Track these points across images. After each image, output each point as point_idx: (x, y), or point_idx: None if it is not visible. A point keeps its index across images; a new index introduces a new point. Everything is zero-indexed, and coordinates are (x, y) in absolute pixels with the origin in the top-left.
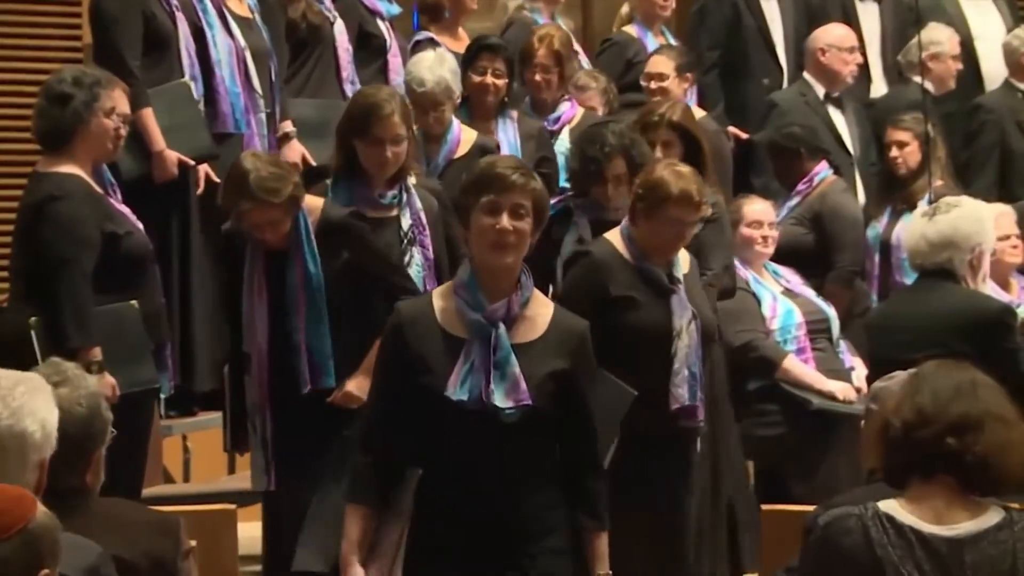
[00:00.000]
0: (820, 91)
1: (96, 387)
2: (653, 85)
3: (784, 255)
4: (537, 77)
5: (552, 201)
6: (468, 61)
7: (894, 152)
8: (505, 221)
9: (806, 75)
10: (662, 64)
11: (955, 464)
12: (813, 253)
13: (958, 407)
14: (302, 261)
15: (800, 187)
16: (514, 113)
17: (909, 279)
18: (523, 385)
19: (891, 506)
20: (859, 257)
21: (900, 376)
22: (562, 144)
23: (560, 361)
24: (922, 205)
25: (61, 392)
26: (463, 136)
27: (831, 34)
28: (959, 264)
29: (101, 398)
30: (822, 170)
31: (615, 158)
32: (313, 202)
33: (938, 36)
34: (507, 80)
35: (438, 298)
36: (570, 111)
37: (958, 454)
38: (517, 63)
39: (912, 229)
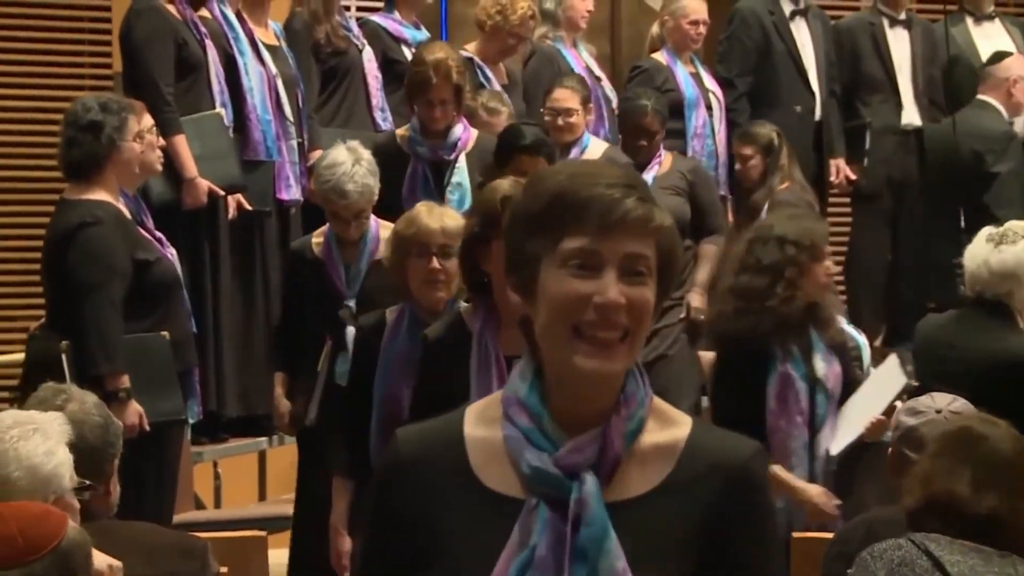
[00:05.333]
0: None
1: (97, 398)
2: (561, 121)
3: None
4: (436, 113)
5: None
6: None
7: (738, 166)
8: (612, 289)
9: (990, 100)
10: (569, 99)
11: None
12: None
13: None
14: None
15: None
16: None
17: None
18: None
19: (934, 538)
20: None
21: (930, 418)
22: (460, 173)
23: (700, 521)
24: (763, 212)
25: (71, 408)
26: (381, 232)
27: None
28: (1018, 298)
29: (105, 407)
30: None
31: None
32: None
33: None
34: None
35: (473, 422)
36: (465, 134)
37: None
38: (406, 91)
39: (975, 253)
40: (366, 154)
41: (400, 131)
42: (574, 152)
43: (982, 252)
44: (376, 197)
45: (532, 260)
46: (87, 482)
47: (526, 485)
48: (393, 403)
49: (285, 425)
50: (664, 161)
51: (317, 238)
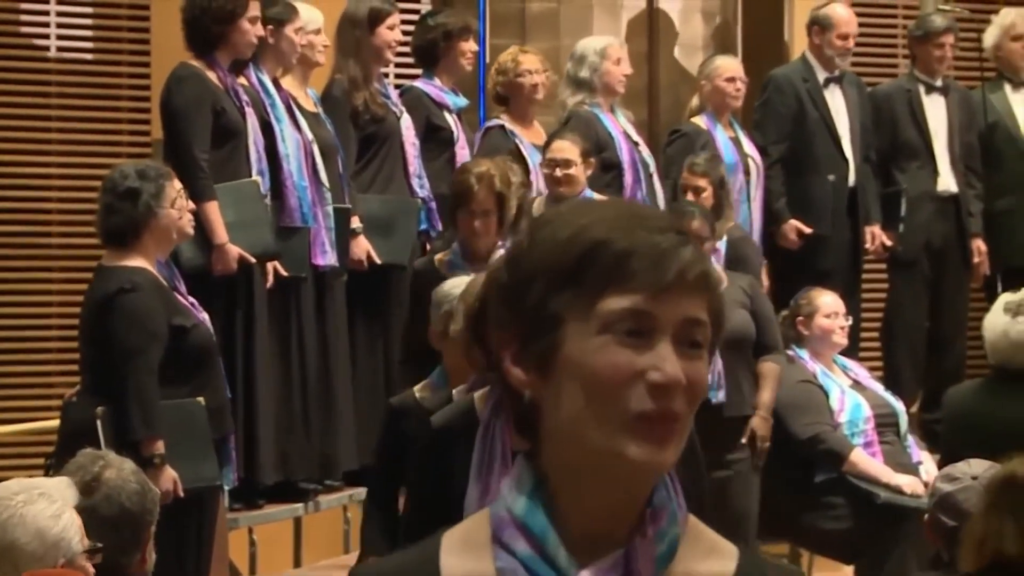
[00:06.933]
0: None
1: (135, 464)
2: (559, 172)
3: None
4: (477, 224)
5: None
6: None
7: (690, 197)
8: (671, 363)
9: None
10: (568, 150)
11: None
12: None
13: None
14: None
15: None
16: None
17: None
18: None
19: None
20: None
21: (965, 484)
22: None
23: None
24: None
25: (109, 474)
26: None
27: None
28: None
29: (143, 473)
30: None
31: None
32: None
33: None
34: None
35: (454, 553)
36: None
37: None
38: (449, 204)
39: (994, 324)
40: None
41: (439, 256)
42: None
43: (1000, 323)
44: None
45: (553, 324)
46: (98, 544)
47: None
48: None
49: None
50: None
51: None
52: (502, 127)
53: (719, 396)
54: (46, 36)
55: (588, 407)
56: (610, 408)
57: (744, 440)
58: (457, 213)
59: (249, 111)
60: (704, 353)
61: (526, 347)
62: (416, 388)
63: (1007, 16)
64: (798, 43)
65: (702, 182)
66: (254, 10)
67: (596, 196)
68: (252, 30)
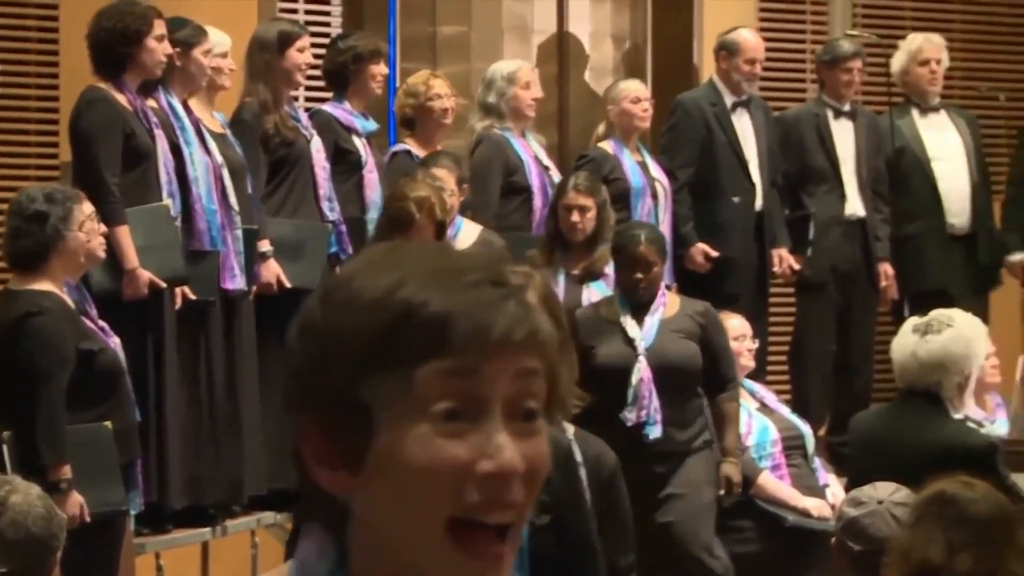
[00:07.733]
0: None
1: (41, 490)
2: None
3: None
4: None
5: None
6: None
7: (575, 217)
8: (506, 448)
9: None
10: (444, 178)
11: None
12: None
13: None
14: None
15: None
16: None
17: None
18: None
19: None
20: None
21: (872, 508)
22: None
23: None
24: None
25: (15, 499)
26: None
27: None
28: (947, 387)
29: (49, 499)
30: None
31: None
32: None
33: None
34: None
35: None
36: None
37: None
38: (388, 227)
39: (903, 345)
40: None
41: None
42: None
43: (909, 344)
44: None
45: (361, 415)
46: (3, 570)
47: None
48: None
49: None
50: (670, 302)
51: None
52: (408, 152)
53: (655, 432)
54: None
55: (404, 516)
56: (430, 517)
57: (722, 492)
58: (394, 239)
59: (159, 133)
60: (542, 424)
61: (331, 444)
62: None
63: (914, 41)
64: (707, 67)
65: (587, 201)
66: (160, 28)
67: (468, 223)
68: (160, 48)
